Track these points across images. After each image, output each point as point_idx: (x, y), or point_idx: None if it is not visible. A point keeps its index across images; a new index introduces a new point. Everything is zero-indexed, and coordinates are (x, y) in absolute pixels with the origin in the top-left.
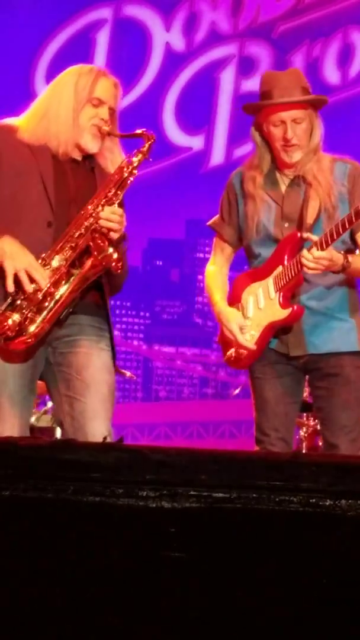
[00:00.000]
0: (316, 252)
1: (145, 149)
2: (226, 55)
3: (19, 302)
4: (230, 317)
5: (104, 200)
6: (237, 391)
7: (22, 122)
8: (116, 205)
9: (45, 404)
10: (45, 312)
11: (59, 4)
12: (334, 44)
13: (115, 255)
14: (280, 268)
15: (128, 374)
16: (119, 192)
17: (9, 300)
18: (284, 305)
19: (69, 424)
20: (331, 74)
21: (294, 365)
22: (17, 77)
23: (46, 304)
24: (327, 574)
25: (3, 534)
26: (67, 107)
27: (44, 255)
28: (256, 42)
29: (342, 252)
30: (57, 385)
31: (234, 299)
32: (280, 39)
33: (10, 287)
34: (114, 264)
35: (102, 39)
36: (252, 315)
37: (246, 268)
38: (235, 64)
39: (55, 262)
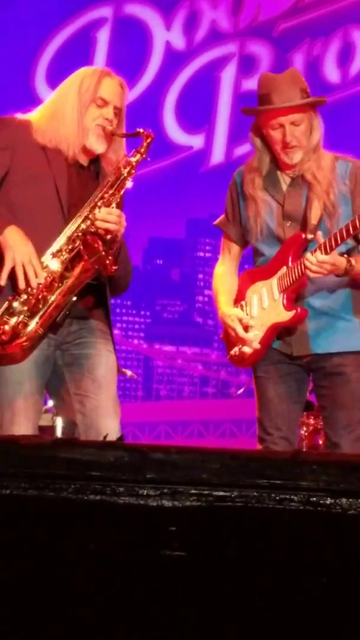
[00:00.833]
0: (320, 256)
1: (143, 148)
2: (226, 54)
3: (15, 304)
4: (234, 317)
5: (100, 201)
6: (240, 391)
7: (34, 120)
8: (114, 205)
9: (45, 403)
10: (38, 316)
11: (60, 2)
12: (334, 43)
13: (109, 257)
14: (284, 269)
15: (129, 373)
16: (116, 193)
17: (5, 305)
18: (287, 307)
19: (81, 422)
20: (331, 72)
21: (298, 365)
22: (17, 75)
23: (40, 306)
24: (328, 572)
25: (3, 533)
26: (72, 108)
27: (42, 258)
28: (257, 41)
29: (345, 255)
30: (66, 385)
31: (238, 297)
32: (281, 38)
33: (3, 280)
34: (107, 266)
35: (103, 38)
36: (256, 314)
37: (248, 267)
38: (235, 63)
39: (52, 265)
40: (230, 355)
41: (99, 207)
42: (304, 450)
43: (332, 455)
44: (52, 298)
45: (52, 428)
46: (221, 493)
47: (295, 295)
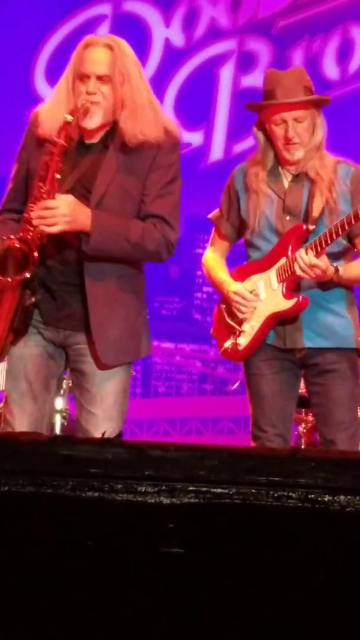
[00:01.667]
0: (313, 259)
1: (59, 132)
2: (226, 51)
3: None
4: (240, 291)
5: (34, 200)
6: (235, 385)
7: (42, 111)
8: (51, 198)
9: None
10: None
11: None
12: (333, 40)
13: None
14: (284, 259)
15: None
16: (50, 185)
17: None
18: (287, 296)
19: (79, 428)
20: (330, 69)
21: (291, 360)
22: (17, 72)
23: None
24: (326, 569)
25: (1, 530)
26: (65, 89)
27: None
28: (256, 38)
29: (334, 265)
30: (75, 389)
31: None
32: (280, 35)
33: None
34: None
35: (102, 34)
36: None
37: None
38: (234, 60)
39: None
40: (223, 349)
41: (32, 209)
42: (302, 447)
43: (330, 453)
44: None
45: (51, 424)
46: (219, 490)
47: (294, 285)
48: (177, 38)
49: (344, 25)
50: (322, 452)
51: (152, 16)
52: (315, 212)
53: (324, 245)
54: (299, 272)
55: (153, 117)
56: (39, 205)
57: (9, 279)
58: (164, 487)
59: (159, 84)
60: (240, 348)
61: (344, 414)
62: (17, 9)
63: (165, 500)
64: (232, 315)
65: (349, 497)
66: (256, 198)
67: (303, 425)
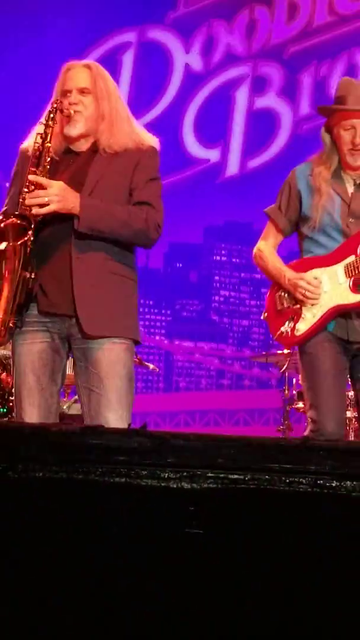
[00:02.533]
0: None
1: (46, 119)
2: (241, 75)
3: None
4: (296, 275)
5: (27, 184)
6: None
7: (31, 136)
8: (37, 180)
9: (75, 393)
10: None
11: (88, 27)
12: (339, 64)
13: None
14: (352, 257)
15: (151, 366)
16: (42, 168)
17: None
18: (354, 290)
19: (87, 414)
20: None
21: (348, 349)
22: (49, 97)
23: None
24: (334, 548)
25: (36, 513)
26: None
27: None
28: (268, 63)
29: None
30: (79, 377)
31: None
32: (291, 60)
33: None
34: (27, 241)
35: (128, 60)
36: None
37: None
38: (249, 83)
39: None
40: (279, 333)
41: (25, 195)
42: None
43: (337, 442)
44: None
45: (81, 417)
46: (236, 476)
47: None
48: (196, 63)
49: (349, 51)
50: (330, 442)
51: (173, 43)
52: None
53: None
54: None
55: (129, 130)
56: (34, 193)
57: (10, 244)
58: (185, 474)
59: (179, 105)
60: (297, 334)
61: None
62: (51, 35)
63: (186, 486)
64: (290, 302)
65: (355, 482)
66: (320, 197)
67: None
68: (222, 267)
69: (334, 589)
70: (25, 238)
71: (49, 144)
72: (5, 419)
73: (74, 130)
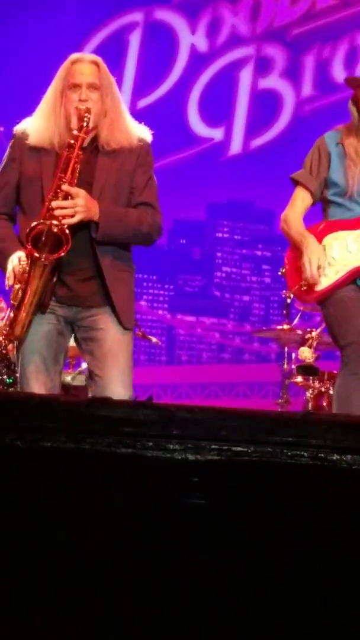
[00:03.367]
0: None
1: (79, 127)
2: (245, 56)
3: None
4: (315, 250)
5: (56, 190)
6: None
7: (30, 123)
8: (68, 190)
9: (80, 365)
10: (23, 308)
11: (96, 8)
12: (342, 47)
13: (64, 234)
14: None
15: (154, 339)
16: (72, 175)
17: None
18: None
19: (93, 389)
20: (339, 73)
21: None
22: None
23: (24, 299)
24: (335, 520)
25: (45, 482)
26: (55, 100)
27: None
28: (272, 44)
29: None
30: (85, 356)
31: None
32: (294, 42)
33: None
34: (63, 242)
35: (135, 40)
36: (339, 256)
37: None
38: (253, 64)
39: (25, 259)
40: (298, 286)
41: (53, 198)
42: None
43: (338, 416)
44: (29, 287)
45: (85, 388)
46: (239, 448)
47: None
48: (202, 44)
49: (351, 33)
50: (331, 415)
51: (179, 24)
52: None
53: None
54: None
55: (126, 127)
56: (62, 203)
57: (43, 258)
58: (189, 445)
59: (185, 85)
60: (318, 288)
61: None
62: (60, 15)
63: (191, 457)
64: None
65: (355, 456)
66: (354, 167)
67: (310, 392)
68: (225, 244)
69: (333, 560)
70: (62, 254)
71: (80, 153)
72: (12, 388)
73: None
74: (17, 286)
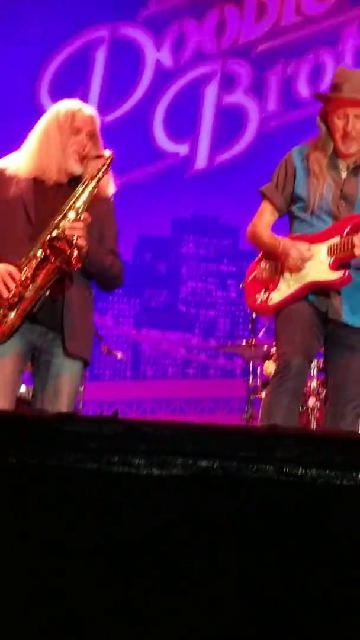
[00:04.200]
0: None
1: (105, 167)
2: (210, 72)
3: None
4: (292, 242)
5: (69, 212)
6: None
7: (18, 159)
8: (81, 215)
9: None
10: (16, 309)
11: (61, 24)
12: (306, 64)
13: (74, 254)
14: (337, 238)
15: (119, 355)
16: (85, 205)
17: None
18: (333, 269)
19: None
20: (303, 89)
21: (324, 325)
22: (23, 90)
23: (17, 302)
24: (300, 534)
25: (9, 498)
26: (54, 139)
27: (21, 261)
28: (237, 61)
29: None
30: (36, 379)
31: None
32: (259, 58)
33: None
34: (72, 264)
35: (100, 56)
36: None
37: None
38: (218, 80)
39: (27, 268)
40: (252, 300)
41: (68, 218)
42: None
43: (302, 431)
44: (26, 295)
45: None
46: (204, 463)
47: (341, 263)
48: (167, 60)
49: (315, 50)
50: (296, 429)
51: (144, 40)
52: None
53: None
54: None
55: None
56: (75, 224)
57: (68, 253)
58: (155, 460)
59: (150, 100)
60: (270, 303)
61: (358, 391)
62: (24, 30)
63: (157, 472)
64: (269, 272)
65: (319, 470)
66: (317, 182)
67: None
68: (190, 258)
69: (299, 574)
70: (73, 268)
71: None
72: None
73: (79, 170)
74: (12, 288)
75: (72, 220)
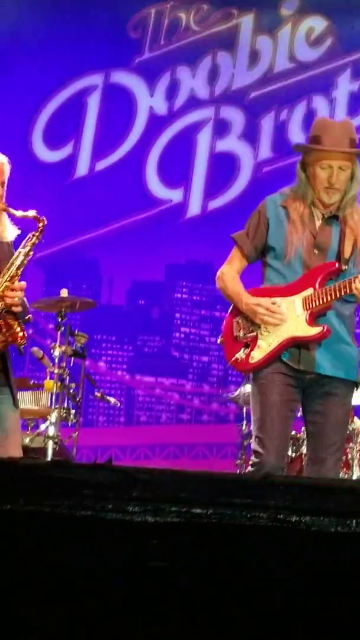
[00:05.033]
0: None
1: (38, 232)
2: (203, 119)
3: None
4: (255, 299)
5: (7, 282)
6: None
7: None
8: (16, 283)
9: (38, 427)
10: None
11: (55, 70)
12: (299, 110)
13: (20, 333)
14: (310, 290)
15: (113, 400)
16: (19, 272)
17: None
18: (310, 323)
19: None
20: (296, 136)
21: (300, 380)
22: (17, 136)
23: None
24: (292, 580)
25: (3, 544)
26: None
27: None
28: (230, 107)
29: None
30: None
31: None
32: (252, 105)
33: None
34: (19, 339)
35: (93, 103)
36: (271, 326)
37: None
38: (211, 126)
39: None
40: (234, 359)
41: (9, 288)
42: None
43: (296, 478)
44: None
45: (44, 449)
46: (198, 510)
47: (317, 315)
48: (160, 106)
49: (308, 97)
50: (289, 477)
51: (138, 87)
52: (347, 254)
53: None
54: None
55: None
56: (18, 293)
57: (17, 330)
58: (149, 507)
59: (143, 146)
60: (252, 361)
61: (338, 436)
62: (18, 77)
63: (150, 519)
64: (247, 329)
65: (313, 517)
66: (295, 232)
67: None
68: (183, 304)
69: (292, 620)
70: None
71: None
72: None
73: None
74: None
75: (13, 294)
